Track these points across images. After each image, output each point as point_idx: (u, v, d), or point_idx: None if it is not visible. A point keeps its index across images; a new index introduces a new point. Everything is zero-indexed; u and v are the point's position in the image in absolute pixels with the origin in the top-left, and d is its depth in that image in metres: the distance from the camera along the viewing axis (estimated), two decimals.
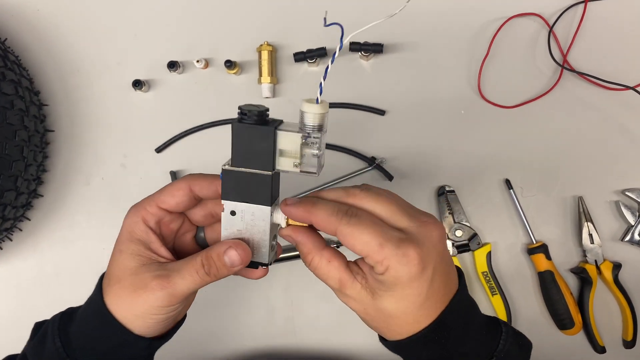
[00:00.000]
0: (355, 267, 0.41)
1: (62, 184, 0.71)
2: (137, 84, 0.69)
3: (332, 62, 0.38)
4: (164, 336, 0.46)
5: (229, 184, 0.40)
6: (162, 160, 0.71)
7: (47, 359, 0.43)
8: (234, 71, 0.69)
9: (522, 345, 0.44)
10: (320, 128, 0.38)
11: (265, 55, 0.68)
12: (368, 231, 0.37)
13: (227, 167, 0.40)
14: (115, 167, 0.71)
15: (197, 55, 0.70)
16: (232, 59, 0.68)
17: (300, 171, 0.39)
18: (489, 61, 0.69)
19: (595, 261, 0.66)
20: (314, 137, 0.38)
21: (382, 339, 0.44)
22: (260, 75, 0.69)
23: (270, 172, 0.39)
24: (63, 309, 0.47)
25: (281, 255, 0.67)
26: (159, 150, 0.70)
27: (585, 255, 0.66)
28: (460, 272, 0.43)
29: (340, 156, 0.69)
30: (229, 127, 0.39)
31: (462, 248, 0.68)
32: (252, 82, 0.70)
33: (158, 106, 0.71)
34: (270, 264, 0.44)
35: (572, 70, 0.67)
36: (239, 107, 0.38)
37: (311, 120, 0.38)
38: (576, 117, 0.69)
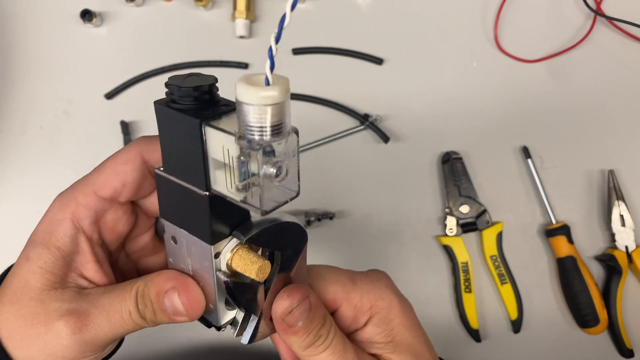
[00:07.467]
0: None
1: None
2: (87, 14, 0.59)
3: (292, 6, 0.22)
4: None
5: (165, 197, 0.29)
6: (112, 108, 0.60)
7: None
8: (203, 3, 0.58)
9: None
10: (277, 130, 0.23)
11: None
12: (334, 272, 0.35)
13: (159, 171, 0.28)
14: (57, 115, 0.61)
15: None
16: None
17: (239, 200, 0.25)
18: (509, 5, 0.60)
19: (627, 247, 0.58)
20: (263, 146, 0.23)
21: None
22: (235, 9, 0.58)
23: (205, 192, 0.26)
24: None
25: None
26: (109, 96, 0.60)
27: (614, 240, 0.58)
28: None
29: (327, 112, 0.60)
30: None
31: (468, 227, 0.58)
32: (225, 18, 0.60)
33: (111, 44, 0.61)
34: (222, 329, 0.31)
35: (607, 17, 0.58)
36: (165, 83, 0.26)
37: (254, 116, 0.22)
38: (610, 75, 0.60)
